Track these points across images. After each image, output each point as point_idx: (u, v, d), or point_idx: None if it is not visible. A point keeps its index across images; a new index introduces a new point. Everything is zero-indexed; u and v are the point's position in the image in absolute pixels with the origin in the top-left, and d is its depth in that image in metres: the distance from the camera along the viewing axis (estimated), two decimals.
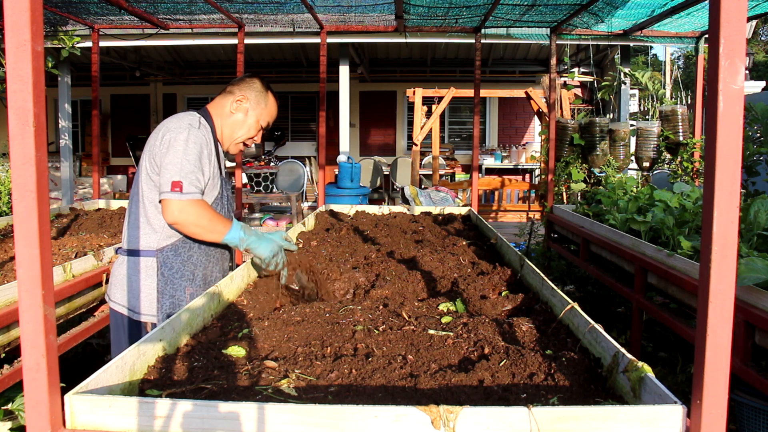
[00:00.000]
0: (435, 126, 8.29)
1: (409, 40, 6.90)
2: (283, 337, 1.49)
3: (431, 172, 9.10)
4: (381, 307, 1.75)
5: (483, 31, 4.84)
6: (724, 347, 0.94)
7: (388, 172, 11.33)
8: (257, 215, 7.80)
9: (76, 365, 3.50)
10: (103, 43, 5.85)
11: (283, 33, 7.24)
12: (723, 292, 0.93)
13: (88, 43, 5.21)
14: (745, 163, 3.87)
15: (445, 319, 1.60)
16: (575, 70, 10.51)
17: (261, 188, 9.89)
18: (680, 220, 3.20)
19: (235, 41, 6.46)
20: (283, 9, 4.45)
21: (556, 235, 5.13)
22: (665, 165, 5.75)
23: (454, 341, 1.40)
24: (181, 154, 1.94)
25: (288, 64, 12.04)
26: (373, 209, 3.98)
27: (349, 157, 8.71)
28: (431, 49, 11.18)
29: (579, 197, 6.25)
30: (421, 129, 8.01)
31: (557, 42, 5.03)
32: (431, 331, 1.48)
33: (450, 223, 3.47)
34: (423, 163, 10.65)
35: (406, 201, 6.62)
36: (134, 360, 1.25)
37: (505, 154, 11.77)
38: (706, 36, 3.77)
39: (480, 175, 10.23)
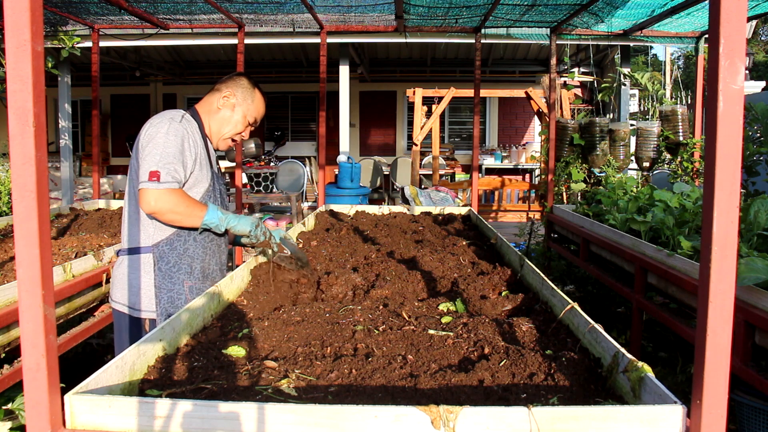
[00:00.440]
0: (435, 126, 8.28)
1: (409, 40, 6.90)
2: (283, 337, 1.49)
3: (431, 172, 9.10)
4: (381, 307, 1.75)
5: (483, 31, 4.84)
6: (724, 347, 0.94)
7: (388, 172, 11.32)
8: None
9: (76, 365, 3.50)
10: (103, 43, 5.85)
11: (283, 33, 7.24)
12: (723, 292, 0.93)
13: (88, 43, 5.21)
14: (745, 163, 3.87)
15: (445, 319, 1.60)
16: (575, 70, 10.51)
17: (261, 188, 9.90)
18: (680, 220, 3.20)
19: (235, 41, 6.45)
20: (283, 9, 4.45)
21: (556, 235, 5.13)
22: (665, 165, 5.76)
23: (454, 341, 1.40)
24: (161, 146, 1.98)
25: (288, 64, 12.04)
26: (373, 209, 3.98)
27: (349, 157, 8.70)
28: (431, 49, 11.18)
29: (579, 197, 6.25)
30: (421, 129, 8.01)
31: (557, 42, 5.03)
32: (431, 331, 1.48)
33: (450, 223, 3.47)
34: (423, 163, 10.65)
35: (406, 201, 6.62)
36: (134, 360, 1.25)
37: (505, 154, 11.77)
38: (706, 36, 3.77)
39: (480, 175, 10.22)
